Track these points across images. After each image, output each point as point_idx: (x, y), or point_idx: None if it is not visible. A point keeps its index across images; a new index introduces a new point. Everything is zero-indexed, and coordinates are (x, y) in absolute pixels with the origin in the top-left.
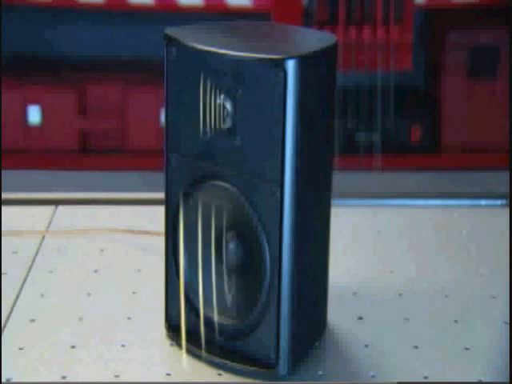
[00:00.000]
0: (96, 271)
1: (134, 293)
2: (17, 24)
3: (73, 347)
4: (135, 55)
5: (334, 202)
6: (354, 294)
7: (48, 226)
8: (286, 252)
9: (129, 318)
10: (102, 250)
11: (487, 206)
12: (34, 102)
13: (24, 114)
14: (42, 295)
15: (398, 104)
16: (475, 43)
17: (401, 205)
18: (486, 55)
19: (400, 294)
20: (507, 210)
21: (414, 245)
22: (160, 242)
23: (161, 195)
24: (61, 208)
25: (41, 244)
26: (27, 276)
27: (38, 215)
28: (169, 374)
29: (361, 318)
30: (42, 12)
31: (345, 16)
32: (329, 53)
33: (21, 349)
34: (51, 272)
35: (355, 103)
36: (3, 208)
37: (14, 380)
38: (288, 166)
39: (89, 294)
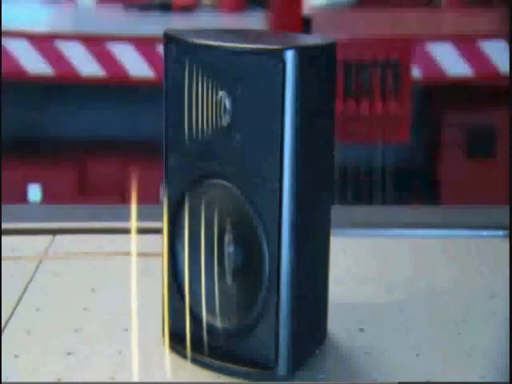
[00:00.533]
0: (93, 290)
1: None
2: (16, 104)
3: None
4: (135, 134)
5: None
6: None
7: (46, 251)
8: (286, 250)
9: (126, 330)
10: (100, 271)
11: (488, 236)
12: (34, 180)
13: (24, 193)
14: (38, 309)
15: (397, 182)
16: (472, 124)
17: (401, 235)
18: (483, 136)
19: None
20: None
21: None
22: (159, 264)
23: (160, 224)
24: (59, 237)
25: (38, 267)
26: (23, 295)
27: (36, 243)
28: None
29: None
30: (41, 91)
31: (342, 89)
32: (328, 49)
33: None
34: (48, 290)
35: (355, 180)
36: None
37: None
38: (287, 161)
39: (85, 309)
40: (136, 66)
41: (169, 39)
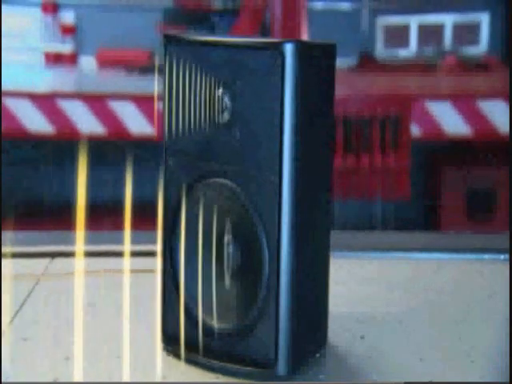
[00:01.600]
0: (91, 304)
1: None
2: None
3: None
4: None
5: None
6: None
7: (44, 272)
8: (285, 249)
9: (124, 336)
10: (98, 287)
11: (490, 259)
12: None
13: None
14: (36, 322)
15: None
16: (473, 186)
17: (402, 257)
18: (483, 198)
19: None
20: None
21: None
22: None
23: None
24: (57, 259)
25: (36, 283)
26: (20, 309)
27: (34, 265)
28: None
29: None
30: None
31: (342, 143)
32: (328, 48)
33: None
34: (46, 305)
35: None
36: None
37: None
38: (286, 157)
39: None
40: (136, 122)
41: (168, 40)
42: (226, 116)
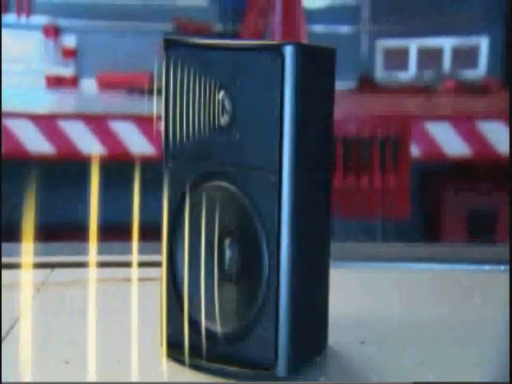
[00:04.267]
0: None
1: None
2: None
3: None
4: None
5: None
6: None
7: (44, 281)
8: (285, 248)
9: (124, 340)
10: (98, 293)
11: (490, 270)
12: None
13: None
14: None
15: None
16: (472, 206)
17: (403, 267)
18: (484, 219)
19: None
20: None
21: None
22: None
23: (158, 258)
24: (57, 270)
25: (37, 292)
26: (20, 316)
27: (35, 275)
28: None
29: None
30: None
31: (342, 163)
32: (328, 51)
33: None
34: (46, 311)
35: None
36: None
37: None
38: (286, 157)
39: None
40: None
41: (168, 44)
42: (226, 118)
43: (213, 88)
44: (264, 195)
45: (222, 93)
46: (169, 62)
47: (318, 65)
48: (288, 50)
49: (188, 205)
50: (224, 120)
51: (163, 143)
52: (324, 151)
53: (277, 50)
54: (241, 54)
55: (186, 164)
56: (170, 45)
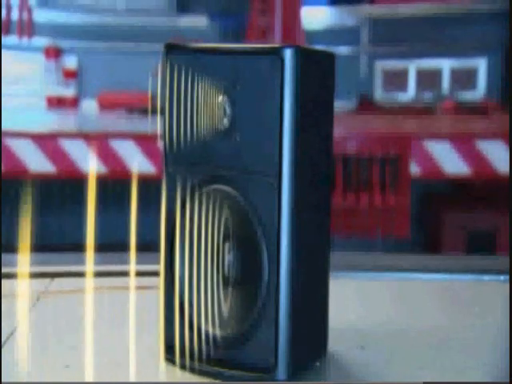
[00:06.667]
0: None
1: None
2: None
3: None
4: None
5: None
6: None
7: (44, 291)
8: (285, 252)
9: (124, 344)
10: (98, 301)
11: (490, 281)
12: None
13: None
14: (36, 333)
15: None
16: (472, 227)
17: (404, 278)
18: (483, 239)
19: None
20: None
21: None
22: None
23: (157, 268)
24: (57, 280)
25: (38, 301)
26: (20, 322)
27: (35, 285)
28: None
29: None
30: None
31: (342, 182)
32: (327, 56)
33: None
34: (47, 319)
35: None
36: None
37: None
38: (286, 160)
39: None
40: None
41: (168, 47)
42: (226, 122)
43: (212, 92)
44: (264, 199)
45: (222, 97)
46: (169, 66)
47: (317, 68)
48: (288, 54)
49: (188, 209)
50: (224, 124)
51: (163, 147)
52: (324, 155)
53: (276, 54)
54: (241, 57)
55: (186, 168)
56: (170, 49)
